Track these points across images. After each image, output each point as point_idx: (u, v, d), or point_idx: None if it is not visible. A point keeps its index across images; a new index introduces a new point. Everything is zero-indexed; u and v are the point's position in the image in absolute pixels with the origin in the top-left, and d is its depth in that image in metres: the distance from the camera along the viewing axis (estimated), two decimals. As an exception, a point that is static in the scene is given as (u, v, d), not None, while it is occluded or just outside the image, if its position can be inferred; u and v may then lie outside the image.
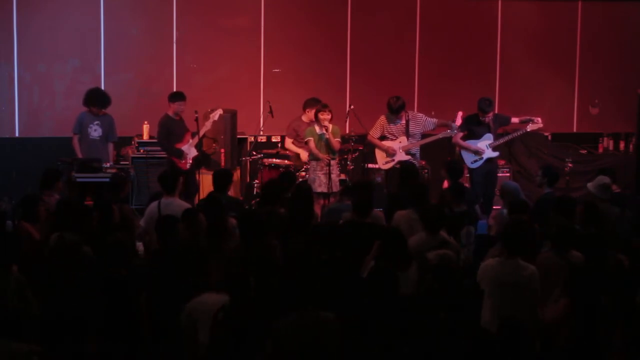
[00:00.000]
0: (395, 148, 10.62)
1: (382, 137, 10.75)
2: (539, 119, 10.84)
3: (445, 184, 9.88)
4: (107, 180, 9.28)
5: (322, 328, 5.60)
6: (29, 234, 7.36)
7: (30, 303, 6.14)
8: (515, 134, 11.21)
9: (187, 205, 8.08)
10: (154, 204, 8.05)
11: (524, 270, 6.36)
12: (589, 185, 8.92)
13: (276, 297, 5.90)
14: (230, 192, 10.56)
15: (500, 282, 6.31)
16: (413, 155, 10.68)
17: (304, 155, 10.74)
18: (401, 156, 10.60)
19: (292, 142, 11.06)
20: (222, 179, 8.65)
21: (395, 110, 10.54)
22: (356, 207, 7.71)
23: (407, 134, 10.64)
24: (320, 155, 10.25)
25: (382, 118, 10.71)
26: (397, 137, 10.65)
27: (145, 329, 6.19)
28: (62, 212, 7.34)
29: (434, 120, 10.82)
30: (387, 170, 10.73)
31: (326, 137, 10.22)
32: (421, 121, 10.74)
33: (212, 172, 10.89)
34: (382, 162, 10.76)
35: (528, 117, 10.89)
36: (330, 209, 8.96)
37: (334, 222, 7.72)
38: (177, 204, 7.98)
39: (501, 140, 10.94)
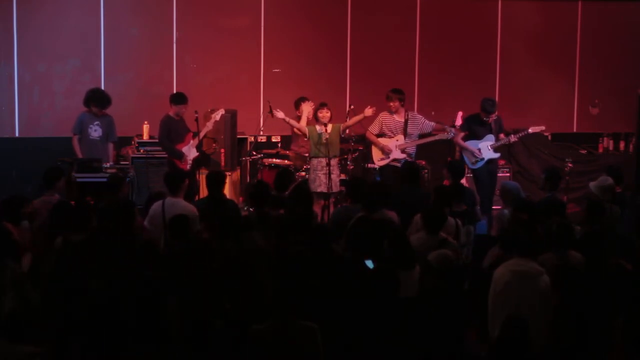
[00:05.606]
0: (391, 147, 10.61)
1: (381, 135, 10.74)
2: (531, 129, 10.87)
3: (446, 184, 9.86)
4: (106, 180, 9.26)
5: (302, 337, 5.54)
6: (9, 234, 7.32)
7: (28, 299, 6.10)
8: (516, 135, 11.20)
9: (191, 206, 8.07)
10: (158, 204, 8.03)
11: (535, 271, 6.22)
12: (591, 184, 8.88)
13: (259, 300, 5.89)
14: (230, 193, 10.59)
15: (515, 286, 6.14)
16: (409, 154, 10.67)
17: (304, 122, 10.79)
18: (397, 154, 10.59)
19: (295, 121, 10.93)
20: (214, 181, 8.57)
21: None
22: (367, 205, 7.75)
23: (405, 133, 10.63)
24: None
25: (382, 115, 10.69)
26: (394, 135, 10.64)
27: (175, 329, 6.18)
28: (59, 214, 7.34)
29: (432, 123, 10.78)
30: (381, 168, 10.72)
31: (325, 138, 10.21)
32: (419, 122, 10.71)
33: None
34: (377, 159, 10.75)
35: (523, 127, 10.90)
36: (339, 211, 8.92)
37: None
38: (181, 205, 7.98)
39: (502, 142, 10.91)
